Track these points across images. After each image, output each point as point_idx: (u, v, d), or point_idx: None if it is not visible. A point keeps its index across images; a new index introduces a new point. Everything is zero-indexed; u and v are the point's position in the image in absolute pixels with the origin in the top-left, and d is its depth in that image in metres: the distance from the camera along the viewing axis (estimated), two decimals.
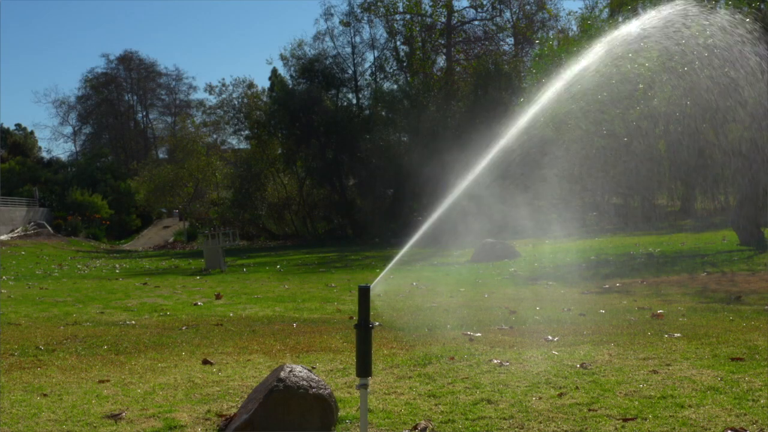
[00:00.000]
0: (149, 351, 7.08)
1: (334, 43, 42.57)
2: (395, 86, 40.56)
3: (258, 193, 40.74)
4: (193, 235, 42.82)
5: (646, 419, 4.35)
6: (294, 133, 38.83)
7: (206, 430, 4.43)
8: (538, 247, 21.50)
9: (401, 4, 41.24)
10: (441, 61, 43.92)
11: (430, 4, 41.56)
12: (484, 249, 19.04)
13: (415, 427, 4.36)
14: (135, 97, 74.43)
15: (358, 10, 41.37)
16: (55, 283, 17.17)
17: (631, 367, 5.68)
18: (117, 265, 24.44)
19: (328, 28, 44.09)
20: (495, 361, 6.01)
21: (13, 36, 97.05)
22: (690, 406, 4.58)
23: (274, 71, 47.98)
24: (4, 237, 36.50)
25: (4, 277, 18.41)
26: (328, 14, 44.34)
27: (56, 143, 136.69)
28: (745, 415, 4.38)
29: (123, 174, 52.17)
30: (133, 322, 9.53)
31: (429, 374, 5.66)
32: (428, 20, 42.07)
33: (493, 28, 44.17)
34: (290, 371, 4.30)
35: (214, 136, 47.25)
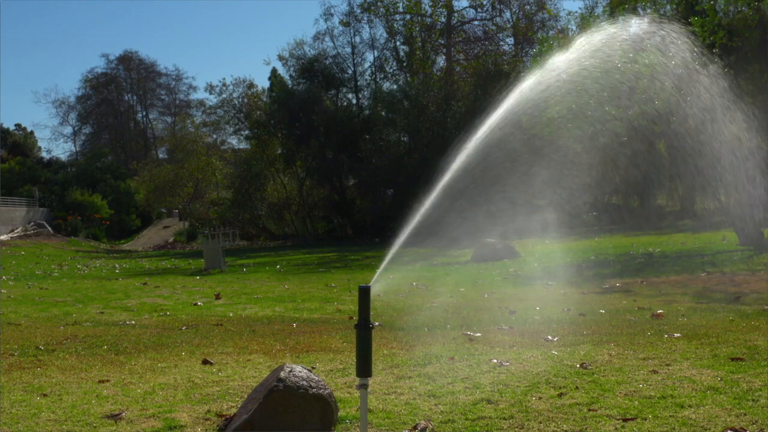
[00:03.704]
0: (149, 351, 7.08)
1: (334, 43, 42.67)
2: (395, 86, 40.60)
3: (258, 193, 40.72)
4: (193, 235, 42.82)
5: (646, 419, 4.35)
6: (294, 133, 38.84)
7: (206, 430, 4.43)
8: (538, 247, 21.49)
9: (401, 4, 41.29)
10: (441, 61, 43.99)
11: (430, 4, 41.61)
12: (484, 249, 19.03)
13: (415, 427, 4.36)
14: (135, 97, 74.52)
15: (358, 10, 41.46)
16: (55, 283, 17.16)
17: (631, 367, 5.68)
18: (117, 265, 24.43)
19: (328, 28, 44.23)
20: (495, 361, 6.01)
21: (13, 36, 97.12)
22: (690, 406, 4.58)
23: (274, 71, 48.08)
24: (4, 237, 36.50)
25: (4, 277, 18.41)
26: (328, 14, 44.46)
27: (56, 143, 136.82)
28: (745, 415, 4.38)
29: (123, 174, 52.15)
30: (133, 322, 9.53)
31: (429, 374, 5.66)
32: (428, 20, 42.10)
33: (493, 28, 44.21)
34: (290, 371, 4.30)
35: (214, 136, 47.33)
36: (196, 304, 11.64)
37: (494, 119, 5.86)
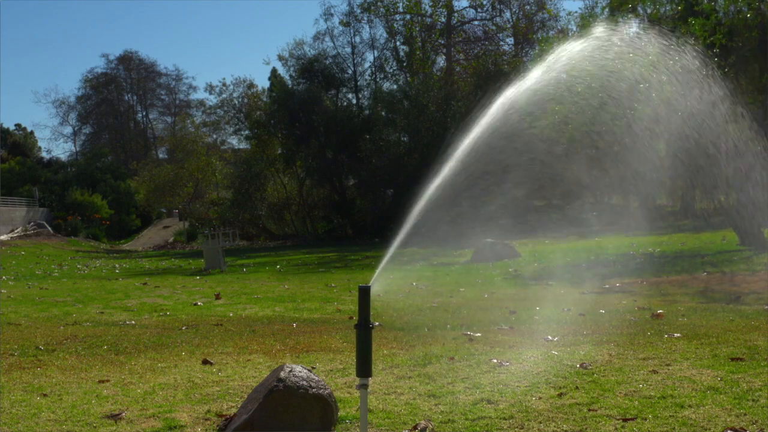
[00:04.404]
0: (149, 351, 7.08)
1: (333, 43, 42.70)
2: (395, 86, 40.61)
3: (258, 193, 40.73)
4: (193, 235, 42.82)
5: (646, 419, 4.35)
6: (294, 133, 38.84)
7: (206, 430, 4.43)
8: (538, 247, 21.49)
9: (401, 4, 41.31)
10: (441, 61, 44.02)
11: (430, 4, 41.64)
12: (484, 249, 19.03)
13: (415, 427, 4.36)
14: (135, 97, 74.55)
15: (358, 10, 41.49)
16: (55, 283, 17.16)
17: (631, 367, 5.68)
18: (117, 265, 24.44)
19: (328, 28, 44.26)
20: (495, 361, 6.01)
21: (13, 36, 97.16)
22: (690, 406, 4.58)
23: (274, 71, 48.13)
24: (4, 237, 36.49)
25: (4, 277, 18.41)
26: (328, 14, 44.46)
27: (56, 143, 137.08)
28: (745, 415, 4.38)
29: (123, 174, 52.16)
30: (133, 322, 9.53)
31: (429, 374, 5.66)
32: (428, 20, 42.12)
33: (493, 28, 44.24)
34: (290, 371, 4.30)
35: (214, 136, 47.38)
36: (196, 304, 11.64)
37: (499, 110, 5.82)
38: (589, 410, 4.56)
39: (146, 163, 50.26)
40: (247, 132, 42.54)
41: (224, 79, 65.64)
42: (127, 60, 71.00)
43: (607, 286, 12.41)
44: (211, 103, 45.54)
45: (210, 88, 47.10)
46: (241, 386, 5.47)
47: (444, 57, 43.85)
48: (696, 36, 16.36)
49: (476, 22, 44.38)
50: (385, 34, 42.14)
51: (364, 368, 3.76)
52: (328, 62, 40.86)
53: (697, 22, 16.33)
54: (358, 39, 42.19)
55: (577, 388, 5.09)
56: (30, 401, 5.14)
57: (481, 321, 8.66)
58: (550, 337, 7.15)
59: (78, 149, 70.77)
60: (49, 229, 41.32)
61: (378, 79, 42.22)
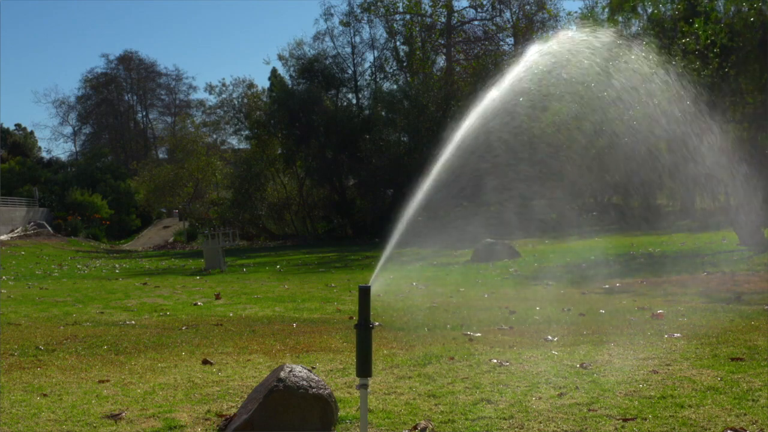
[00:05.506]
0: (149, 351, 7.08)
1: (333, 43, 42.69)
2: (395, 86, 40.60)
3: (258, 193, 40.73)
4: (193, 235, 42.82)
5: (646, 419, 4.35)
6: (294, 133, 38.84)
7: (206, 430, 4.43)
8: (538, 247, 21.49)
9: (401, 4, 41.31)
10: (441, 61, 44.00)
11: (430, 4, 41.64)
12: (484, 249, 19.03)
13: (415, 427, 4.36)
14: (135, 97, 74.57)
15: (358, 10, 41.47)
16: (55, 283, 17.16)
17: (631, 367, 5.68)
18: (117, 265, 24.43)
19: (328, 28, 44.18)
20: (495, 361, 6.01)
21: (13, 36, 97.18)
22: (690, 406, 4.58)
23: (274, 71, 48.12)
24: (4, 237, 36.49)
25: (4, 277, 18.40)
26: (328, 14, 44.35)
27: (56, 143, 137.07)
28: (745, 415, 4.38)
29: (123, 174, 52.15)
30: (133, 322, 9.53)
31: (429, 374, 5.66)
32: (428, 20, 42.12)
33: (493, 28, 44.22)
34: (290, 371, 4.30)
35: (214, 136, 47.34)
36: (196, 304, 11.64)
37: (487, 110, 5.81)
38: (589, 410, 4.56)
39: (146, 163, 50.23)
40: (247, 132, 42.55)
41: (224, 79, 65.69)
42: (127, 60, 71.02)
43: (607, 286, 12.40)
44: (211, 103, 45.59)
45: (210, 88, 47.08)
46: (241, 386, 5.47)
47: (444, 57, 43.86)
48: (697, 36, 16.37)
49: (476, 22, 44.40)
50: (385, 34, 42.19)
51: (364, 368, 3.76)
52: (328, 62, 40.87)
53: (699, 23, 16.34)
54: (358, 39, 42.25)
55: (577, 388, 5.09)
56: (30, 401, 5.14)
57: (481, 321, 8.66)
58: (550, 337, 7.15)
59: (78, 149, 70.81)
60: (49, 229, 41.31)
61: (378, 79, 42.24)
